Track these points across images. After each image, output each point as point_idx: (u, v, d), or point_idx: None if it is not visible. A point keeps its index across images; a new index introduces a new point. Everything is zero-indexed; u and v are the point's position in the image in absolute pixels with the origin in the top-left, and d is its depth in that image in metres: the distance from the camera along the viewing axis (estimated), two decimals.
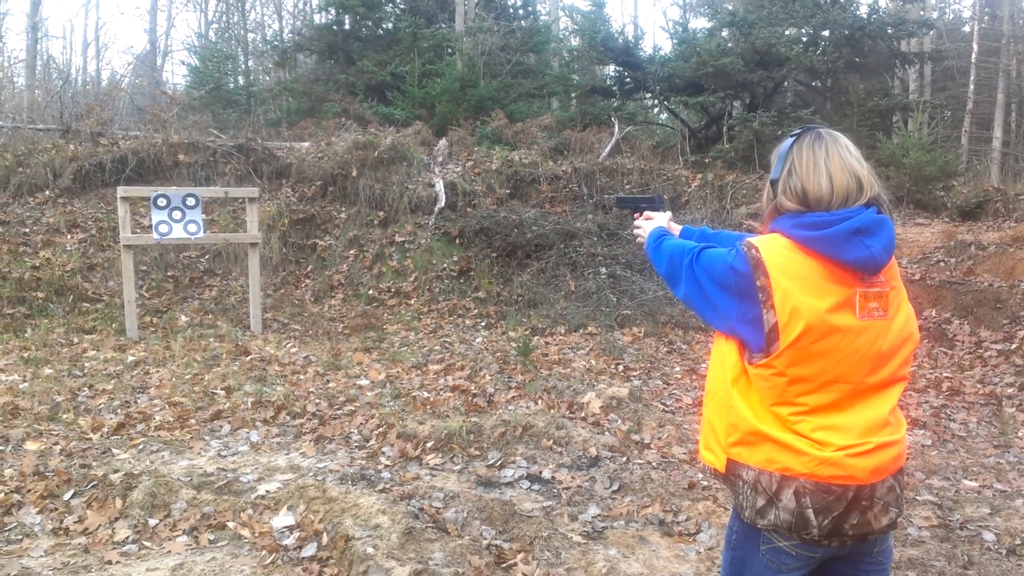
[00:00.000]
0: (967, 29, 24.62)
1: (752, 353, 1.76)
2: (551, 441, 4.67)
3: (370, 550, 3.21)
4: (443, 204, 10.20)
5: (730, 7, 16.99)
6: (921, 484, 4.36)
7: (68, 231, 9.34)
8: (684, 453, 4.69)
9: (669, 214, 2.35)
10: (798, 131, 1.85)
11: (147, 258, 9.12)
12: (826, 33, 13.88)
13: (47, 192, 9.85)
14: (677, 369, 6.86)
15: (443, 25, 17.22)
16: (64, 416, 5.07)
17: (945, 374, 6.76)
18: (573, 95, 16.99)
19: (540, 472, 4.34)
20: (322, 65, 17.87)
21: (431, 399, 5.70)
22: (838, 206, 1.73)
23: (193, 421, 5.12)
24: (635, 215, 2.40)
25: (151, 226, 7.63)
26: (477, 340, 7.74)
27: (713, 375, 1.89)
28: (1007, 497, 4.23)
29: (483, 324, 8.45)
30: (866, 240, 1.69)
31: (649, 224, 2.27)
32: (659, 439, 4.89)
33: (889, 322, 1.75)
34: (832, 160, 1.76)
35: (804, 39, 14.09)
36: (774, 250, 1.73)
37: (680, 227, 2.32)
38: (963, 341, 7.54)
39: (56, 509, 3.71)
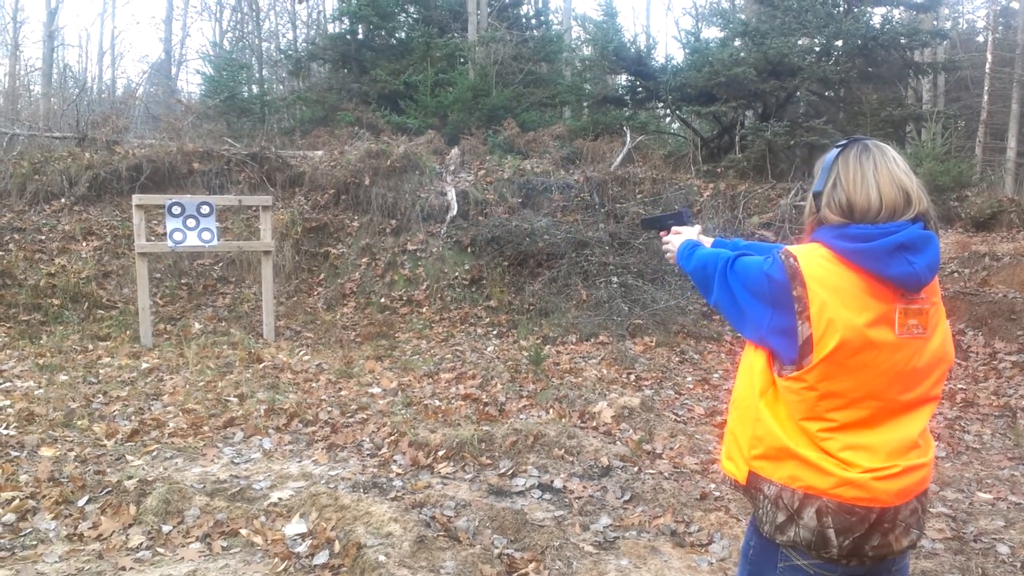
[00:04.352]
0: (981, 39, 24.53)
1: (783, 365, 1.72)
2: (562, 450, 4.67)
3: (382, 558, 3.22)
4: (455, 213, 10.23)
5: (742, 17, 16.98)
6: (935, 496, 4.33)
7: (83, 238, 9.42)
8: (696, 463, 4.67)
9: (698, 227, 2.27)
10: (844, 142, 1.79)
11: (161, 265, 9.19)
12: (839, 43, 13.85)
13: (63, 200, 9.94)
14: (689, 379, 6.84)
15: (456, 35, 17.31)
16: (79, 422, 5.10)
17: (959, 386, 6.71)
18: (585, 104, 17.02)
19: (552, 481, 4.34)
20: (335, 74, 17.99)
21: (443, 407, 5.71)
22: (885, 220, 1.67)
23: (206, 428, 5.15)
24: (662, 233, 2.33)
25: (165, 234, 7.68)
26: (489, 349, 7.75)
27: (740, 385, 1.85)
28: (1022, 510, 4.20)
29: (495, 333, 8.46)
30: (910, 256, 1.63)
31: (678, 238, 2.22)
32: (671, 449, 4.88)
33: (927, 340, 1.70)
34: (881, 173, 1.69)
35: (817, 49, 14.07)
36: (813, 260, 1.68)
37: (711, 239, 2.25)
38: (977, 352, 7.49)
39: (71, 515, 3.73)
